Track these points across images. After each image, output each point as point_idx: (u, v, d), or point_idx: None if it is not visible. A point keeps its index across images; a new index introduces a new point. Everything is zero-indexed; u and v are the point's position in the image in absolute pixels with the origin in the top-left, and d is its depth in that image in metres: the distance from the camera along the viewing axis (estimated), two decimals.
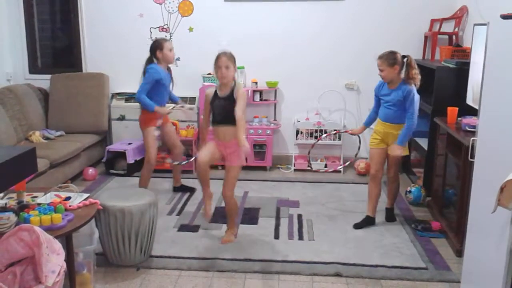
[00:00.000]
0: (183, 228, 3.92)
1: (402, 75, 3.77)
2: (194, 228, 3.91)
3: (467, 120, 3.56)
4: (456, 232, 3.52)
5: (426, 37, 5.27)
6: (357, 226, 3.96)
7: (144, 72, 4.26)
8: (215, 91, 3.53)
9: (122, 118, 5.59)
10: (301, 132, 5.51)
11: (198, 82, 5.49)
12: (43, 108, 5.50)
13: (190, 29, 5.60)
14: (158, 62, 4.32)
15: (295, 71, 5.52)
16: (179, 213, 4.22)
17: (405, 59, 3.72)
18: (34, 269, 2.16)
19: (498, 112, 2.43)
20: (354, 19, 5.38)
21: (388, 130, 3.84)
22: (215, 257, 3.41)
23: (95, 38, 5.70)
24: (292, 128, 5.56)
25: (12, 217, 2.51)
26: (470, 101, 3.85)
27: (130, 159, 5.14)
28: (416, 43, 5.30)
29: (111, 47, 5.70)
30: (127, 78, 5.72)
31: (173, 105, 4.69)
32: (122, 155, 5.18)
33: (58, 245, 2.29)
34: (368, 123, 4.09)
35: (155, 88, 4.27)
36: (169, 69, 4.47)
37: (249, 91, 5.35)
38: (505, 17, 2.39)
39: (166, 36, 5.60)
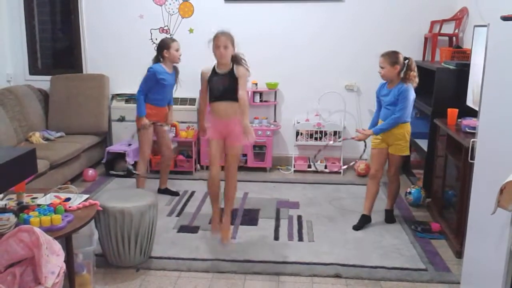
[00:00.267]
0: (182, 229, 3.92)
1: (401, 75, 3.80)
2: (193, 229, 3.91)
3: (467, 121, 3.56)
4: (456, 233, 3.52)
5: (426, 39, 5.27)
6: (356, 227, 3.97)
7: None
8: (213, 69, 3.52)
9: (122, 119, 5.59)
10: (301, 133, 5.51)
11: (198, 84, 5.43)
12: (43, 109, 5.51)
13: (191, 31, 5.60)
14: (163, 61, 4.36)
15: (295, 72, 5.53)
16: (178, 214, 4.22)
17: (406, 61, 3.75)
18: (33, 270, 2.16)
19: (498, 113, 2.43)
20: (354, 20, 5.39)
21: (389, 130, 3.85)
22: (215, 258, 3.41)
23: (95, 39, 5.70)
24: (292, 129, 5.56)
25: (12, 218, 2.51)
26: (470, 102, 3.85)
27: (130, 160, 5.13)
28: (416, 44, 5.30)
29: (111, 48, 5.70)
30: (127, 79, 5.72)
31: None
32: (122, 156, 5.18)
33: (57, 246, 2.29)
34: (372, 127, 4.09)
35: (156, 88, 4.32)
36: (176, 70, 4.49)
37: (249, 92, 5.35)
38: (505, 18, 2.39)
39: (166, 37, 5.59)
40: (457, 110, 3.87)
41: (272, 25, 5.47)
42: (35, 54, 5.89)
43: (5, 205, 2.79)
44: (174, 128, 5.26)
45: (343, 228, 3.95)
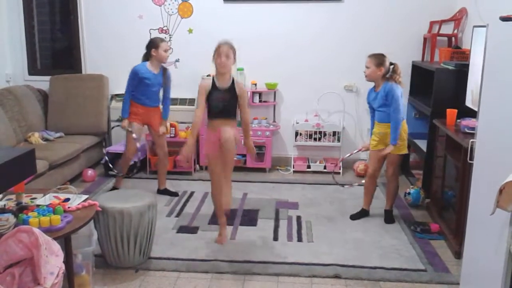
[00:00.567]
0: (182, 229, 3.92)
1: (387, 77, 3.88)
2: (193, 230, 3.90)
3: (466, 122, 3.57)
4: (455, 234, 3.52)
5: (425, 39, 5.28)
6: (353, 217, 4.14)
7: None
8: (213, 83, 3.47)
9: (121, 119, 5.58)
10: (300, 134, 5.51)
11: (198, 84, 5.46)
12: (43, 110, 5.50)
13: (190, 31, 5.60)
14: (151, 60, 4.38)
15: (295, 72, 5.53)
16: (178, 215, 4.21)
17: (391, 66, 3.85)
18: (32, 271, 2.16)
19: (497, 114, 2.43)
20: (353, 21, 5.39)
21: (384, 130, 3.93)
22: (214, 258, 3.41)
23: (94, 40, 5.70)
24: (291, 129, 5.56)
25: (11, 219, 2.51)
26: (469, 103, 3.86)
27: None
28: (415, 45, 5.30)
29: (111, 48, 5.70)
30: (127, 80, 5.71)
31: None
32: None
33: (57, 247, 2.29)
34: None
35: (140, 87, 4.37)
36: (164, 70, 4.47)
37: (249, 92, 5.35)
38: (504, 19, 2.39)
39: (165, 37, 5.60)
40: (456, 110, 3.87)
41: (271, 25, 5.47)
42: (34, 55, 5.89)
43: (4, 205, 2.78)
44: (173, 128, 5.25)
45: (343, 229, 3.95)
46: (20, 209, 2.75)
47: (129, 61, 5.63)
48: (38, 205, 2.84)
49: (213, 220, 4.06)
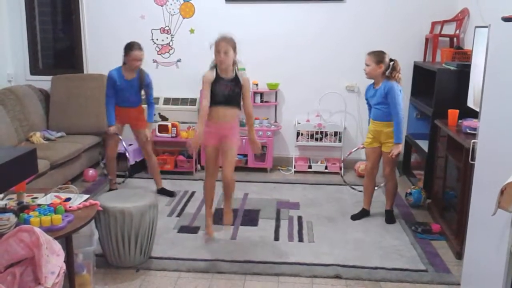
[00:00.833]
0: (183, 229, 3.92)
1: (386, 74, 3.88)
2: (194, 230, 3.91)
3: (468, 122, 3.56)
4: (456, 234, 3.51)
5: (427, 39, 5.27)
6: (353, 217, 4.15)
7: None
8: (216, 73, 3.49)
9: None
10: (302, 134, 5.51)
11: (199, 84, 5.43)
12: (44, 109, 5.50)
13: (191, 31, 5.60)
14: (124, 65, 4.43)
15: (296, 72, 5.52)
16: (179, 215, 4.21)
17: (391, 62, 3.84)
18: (33, 270, 2.16)
19: (499, 114, 2.42)
20: (354, 21, 5.39)
21: (379, 128, 3.94)
22: (215, 258, 3.41)
23: (96, 39, 5.70)
24: (293, 129, 5.56)
25: (12, 218, 2.51)
26: (471, 103, 3.85)
27: (131, 160, 5.13)
28: (417, 45, 5.30)
29: (112, 48, 5.67)
30: None
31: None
32: (122, 156, 5.17)
33: (58, 246, 2.29)
34: None
35: (115, 91, 4.41)
36: (141, 74, 4.44)
37: (250, 92, 5.32)
38: (506, 19, 2.39)
39: (167, 37, 5.61)
40: (457, 111, 3.87)
41: (273, 26, 5.46)
42: (36, 54, 5.89)
43: (6, 205, 2.79)
44: (175, 128, 5.26)
45: (344, 229, 3.95)
46: (21, 208, 2.76)
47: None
48: (39, 205, 2.85)
49: (214, 220, 4.05)
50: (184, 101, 5.57)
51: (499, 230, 2.29)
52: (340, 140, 5.46)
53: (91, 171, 5.15)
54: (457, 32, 4.97)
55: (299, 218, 4.18)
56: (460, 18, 4.95)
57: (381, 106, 3.88)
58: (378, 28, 5.34)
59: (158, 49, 5.67)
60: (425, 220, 4.12)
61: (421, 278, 3.19)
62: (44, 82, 5.67)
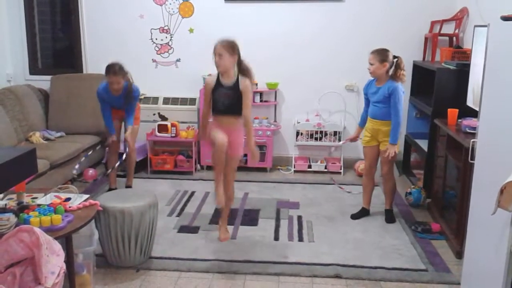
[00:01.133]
0: (183, 229, 3.92)
1: (390, 73, 3.87)
2: (194, 229, 3.91)
3: (467, 121, 3.56)
4: (456, 234, 3.52)
5: (426, 39, 5.27)
6: (353, 216, 4.15)
7: None
8: (218, 79, 3.46)
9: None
10: (301, 134, 5.51)
11: (199, 83, 5.49)
12: (44, 109, 5.50)
13: (191, 30, 5.60)
14: None
15: (296, 72, 5.52)
16: (179, 214, 4.21)
17: (395, 60, 3.82)
18: (33, 270, 2.16)
19: (498, 114, 2.42)
20: (354, 20, 5.38)
21: (377, 127, 3.93)
22: (215, 258, 3.41)
23: (95, 39, 5.70)
24: (292, 129, 5.56)
25: (12, 218, 2.51)
26: (470, 102, 3.85)
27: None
28: (416, 45, 5.30)
29: (112, 47, 5.70)
30: None
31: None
32: (122, 156, 5.17)
33: (57, 246, 2.29)
34: (362, 124, 4.16)
35: (107, 103, 4.54)
36: (129, 87, 4.49)
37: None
38: (505, 18, 2.39)
39: (166, 37, 5.60)
40: (457, 110, 3.87)
41: (273, 25, 5.46)
42: (35, 54, 5.89)
43: (5, 205, 2.78)
44: (174, 128, 5.26)
45: (343, 229, 3.95)
46: (21, 208, 2.76)
47: (130, 61, 5.62)
48: (39, 205, 2.85)
49: (214, 220, 4.06)
50: (183, 101, 5.57)
51: (499, 229, 2.29)
52: (339, 140, 5.46)
53: (90, 171, 5.12)
54: (457, 31, 4.97)
55: (299, 217, 4.18)
56: (460, 18, 4.95)
57: (381, 105, 3.87)
58: (377, 27, 5.34)
59: (157, 49, 5.67)
60: (425, 219, 4.12)
61: (421, 277, 3.19)
62: (44, 82, 5.67)
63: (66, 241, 2.69)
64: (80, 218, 2.78)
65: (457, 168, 3.65)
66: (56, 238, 2.36)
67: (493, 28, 2.56)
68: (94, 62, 5.74)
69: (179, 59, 5.67)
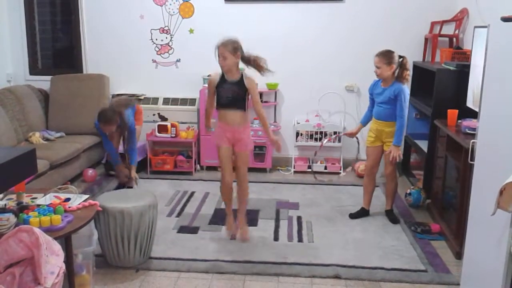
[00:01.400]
0: (182, 229, 3.92)
1: (396, 74, 3.87)
2: (193, 230, 3.91)
3: (467, 122, 3.56)
4: (456, 234, 3.52)
5: (426, 39, 5.27)
6: (352, 215, 4.15)
7: None
8: (222, 76, 3.52)
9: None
10: (301, 134, 5.51)
11: (199, 84, 5.49)
12: (43, 109, 5.50)
13: (191, 31, 5.60)
14: None
15: (295, 73, 5.52)
16: (178, 215, 4.21)
17: (400, 60, 3.82)
18: (33, 270, 2.16)
19: (498, 114, 2.42)
20: (354, 21, 5.39)
21: (381, 128, 3.93)
22: (215, 258, 3.41)
23: (95, 39, 5.70)
24: (292, 130, 5.56)
25: (12, 218, 2.51)
26: (470, 103, 3.86)
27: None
28: (416, 45, 5.30)
29: (112, 48, 5.70)
30: (127, 79, 5.73)
31: None
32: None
33: (57, 246, 2.29)
34: (364, 122, 4.18)
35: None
36: (122, 122, 4.57)
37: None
38: (505, 19, 2.39)
39: (166, 37, 5.61)
40: (457, 111, 3.87)
41: (272, 26, 5.47)
42: (35, 54, 5.89)
43: (5, 205, 2.78)
44: (174, 128, 5.27)
45: (343, 229, 3.95)
46: (21, 208, 2.76)
47: (130, 61, 5.68)
48: (38, 205, 2.85)
49: (214, 220, 4.07)
50: (183, 101, 5.58)
51: (499, 230, 2.29)
52: (339, 140, 5.46)
53: (90, 171, 5.14)
54: (457, 32, 4.97)
55: (299, 218, 4.18)
56: (460, 18, 4.95)
57: (386, 106, 3.87)
58: (377, 28, 5.34)
59: (157, 49, 5.67)
60: (424, 220, 4.12)
61: (420, 278, 3.19)
62: (44, 82, 5.67)
63: (66, 241, 2.69)
64: (79, 218, 2.78)
65: (456, 169, 3.65)
66: (55, 238, 2.36)
67: (493, 29, 2.56)
68: (94, 63, 5.75)
69: (179, 59, 5.67)
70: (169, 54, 5.68)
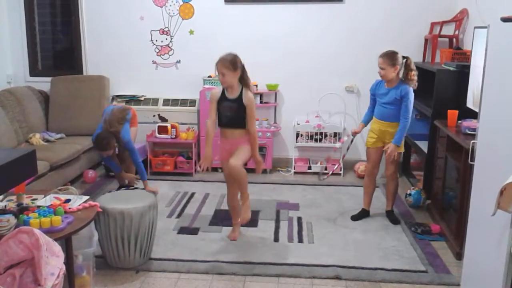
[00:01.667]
0: (182, 230, 3.92)
1: (400, 75, 3.86)
2: (193, 231, 3.90)
3: (467, 123, 3.56)
4: (456, 235, 3.51)
5: (426, 40, 5.28)
6: (354, 217, 4.14)
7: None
8: (223, 91, 3.51)
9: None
10: (301, 135, 5.51)
11: (199, 85, 5.50)
12: (44, 111, 5.51)
13: (191, 32, 5.60)
14: None
15: (296, 73, 5.53)
16: (178, 216, 4.21)
17: (404, 60, 3.81)
18: (33, 272, 2.16)
19: (498, 115, 2.42)
20: (354, 22, 5.39)
21: (385, 128, 3.92)
22: (215, 259, 3.41)
23: (95, 41, 5.71)
24: (292, 130, 5.56)
25: (12, 220, 2.51)
26: (470, 104, 3.85)
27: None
28: (416, 46, 5.30)
29: (112, 49, 5.71)
30: (128, 81, 5.73)
31: None
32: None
33: (57, 248, 2.29)
34: (366, 122, 4.15)
35: None
36: (118, 141, 4.53)
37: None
38: (505, 19, 2.39)
39: (166, 38, 5.61)
40: (457, 111, 3.87)
41: (272, 27, 5.47)
42: (35, 56, 5.89)
43: (5, 206, 2.79)
44: (174, 129, 5.27)
45: (343, 230, 3.95)
46: (21, 210, 2.76)
47: (130, 62, 5.69)
48: (39, 206, 2.85)
49: (214, 221, 4.07)
50: (183, 102, 5.58)
51: (499, 230, 2.29)
52: (339, 140, 5.45)
53: (90, 172, 5.14)
54: (456, 32, 4.97)
55: (299, 219, 4.18)
56: (459, 19, 4.95)
57: (391, 107, 3.85)
58: (377, 29, 5.34)
59: (157, 50, 5.68)
60: (424, 221, 4.12)
61: (421, 279, 3.19)
62: (44, 83, 5.67)
63: (66, 243, 2.70)
64: (79, 219, 2.78)
65: (457, 169, 3.65)
66: (55, 240, 2.36)
67: (493, 29, 2.56)
68: (94, 64, 5.75)
69: (179, 60, 5.67)
70: (169, 55, 5.68)
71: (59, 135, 5.23)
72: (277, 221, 4.13)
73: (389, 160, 3.95)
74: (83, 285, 2.94)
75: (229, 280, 3.17)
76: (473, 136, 3.03)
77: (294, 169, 5.52)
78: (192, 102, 5.56)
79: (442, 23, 5.05)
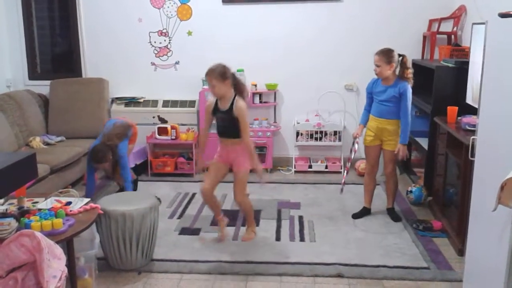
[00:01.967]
0: (184, 231, 3.92)
1: (396, 73, 3.87)
2: (195, 231, 3.91)
3: (467, 119, 3.56)
4: (458, 231, 3.51)
5: (424, 37, 5.27)
6: (355, 215, 4.14)
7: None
8: (216, 103, 3.56)
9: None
10: (301, 134, 5.51)
11: (198, 86, 5.50)
12: (43, 114, 5.50)
13: (189, 33, 5.60)
14: None
15: (295, 73, 5.52)
16: (180, 217, 4.21)
17: (400, 58, 3.83)
18: (35, 275, 2.16)
19: (498, 110, 2.42)
20: (352, 20, 5.39)
21: (383, 126, 3.92)
22: (217, 260, 3.41)
23: (94, 43, 5.70)
24: (292, 129, 5.56)
25: (13, 223, 2.51)
26: (469, 100, 3.85)
27: (131, 163, 5.13)
28: (415, 43, 5.30)
29: (111, 51, 5.70)
30: (127, 83, 5.73)
31: None
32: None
33: (59, 250, 2.29)
34: (365, 122, 4.13)
35: None
36: (114, 155, 4.40)
37: (249, 93, 5.33)
38: (503, 15, 2.39)
39: (165, 40, 5.61)
40: (456, 108, 3.87)
41: (271, 26, 5.47)
42: (34, 59, 5.89)
43: (6, 209, 2.79)
44: (174, 130, 5.27)
45: (345, 228, 3.95)
46: (22, 213, 2.76)
47: (129, 64, 5.68)
48: (40, 209, 2.84)
49: (215, 221, 4.06)
50: (183, 103, 5.58)
51: (500, 226, 2.29)
52: (339, 139, 5.46)
53: None
54: (455, 29, 4.97)
55: (300, 218, 4.18)
56: (458, 15, 4.95)
57: (389, 104, 3.86)
58: (375, 26, 5.34)
59: (156, 52, 5.68)
60: (426, 217, 4.12)
61: (423, 275, 3.19)
62: (43, 86, 5.67)
63: (68, 245, 2.70)
64: (81, 221, 2.78)
65: (457, 165, 3.65)
66: (57, 242, 2.37)
67: (491, 25, 2.56)
68: (93, 66, 5.75)
69: (178, 61, 5.67)
70: (168, 56, 5.68)
71: (59, 138, 5.23)
72: (279, 220, 4.13)
73: (388, 158, 3.95)
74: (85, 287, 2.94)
75: (231, 280, 3.18)
76: (473, 132, 3.03)
77: (294, 168, 5.52)
78: (191, 103, 5.56)
79: (440, 20, 5.05)
